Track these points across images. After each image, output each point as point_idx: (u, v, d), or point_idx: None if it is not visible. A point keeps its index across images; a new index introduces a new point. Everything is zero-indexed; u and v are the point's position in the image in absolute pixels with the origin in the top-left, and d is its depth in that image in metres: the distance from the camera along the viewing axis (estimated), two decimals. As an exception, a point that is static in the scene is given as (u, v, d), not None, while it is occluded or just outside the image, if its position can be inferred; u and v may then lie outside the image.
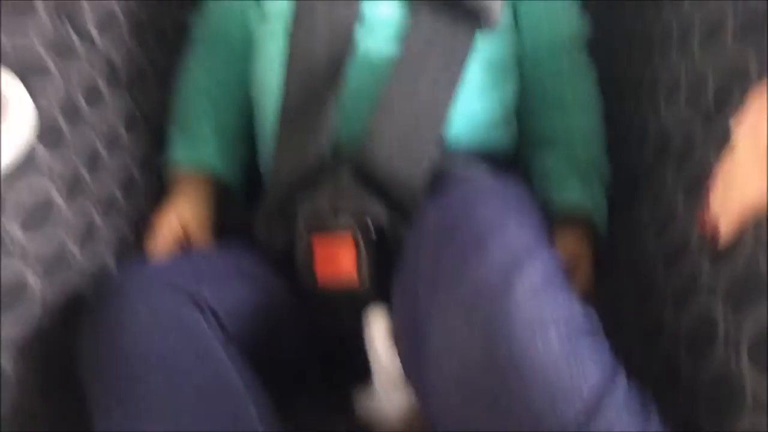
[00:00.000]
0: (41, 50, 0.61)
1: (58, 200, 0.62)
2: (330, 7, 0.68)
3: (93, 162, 0.69)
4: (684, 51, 0.63)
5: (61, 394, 0.61)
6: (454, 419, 0.48)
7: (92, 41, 0.70)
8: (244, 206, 0.79)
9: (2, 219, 0.55)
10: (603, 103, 0.81)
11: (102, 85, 0.72)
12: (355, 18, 0.68)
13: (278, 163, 0.68)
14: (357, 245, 0.64)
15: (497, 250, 0.49)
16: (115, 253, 0.71)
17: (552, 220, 0.72)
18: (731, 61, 0.54)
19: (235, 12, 0.81)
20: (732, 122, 0.50)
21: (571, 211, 0.73)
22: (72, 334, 0.58)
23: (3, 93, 0.56)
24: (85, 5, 0.69)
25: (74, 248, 0.64)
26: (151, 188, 0.81)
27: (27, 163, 0.58)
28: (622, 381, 0.46)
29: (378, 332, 0.58)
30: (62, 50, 0.65)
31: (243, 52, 0.80)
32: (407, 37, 0.67)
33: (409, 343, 0.52)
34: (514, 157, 0.80)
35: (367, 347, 0.59)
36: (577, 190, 0.74)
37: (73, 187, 0.64)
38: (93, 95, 0.70)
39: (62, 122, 0.64)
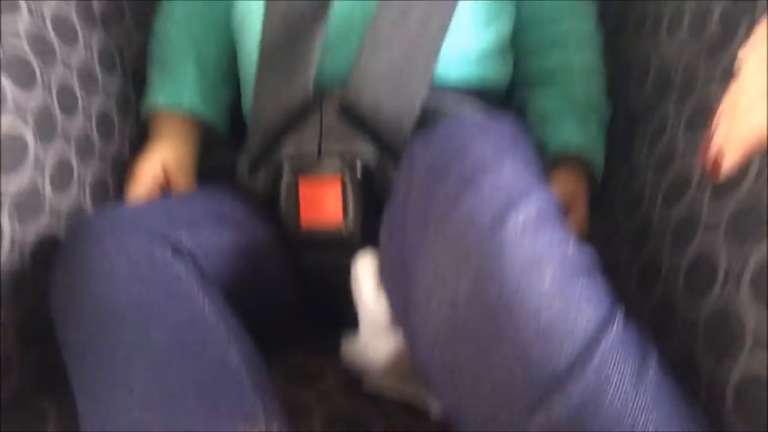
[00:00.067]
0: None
1: (30, 140, 0.59)
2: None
3: (68, 102, 0.66)
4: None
5: (36, 337, 0.59)
6: (443, 362, 0.46)
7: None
8: (227, 150, 0.77)
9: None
10: (603, 39, 0.78)
11: (75, 20, 0.69)
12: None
13: (260, 102, 0.65)
14: (344, 189, 0.61)
15: (491, 188, 0.47)
16: (94, 198, 0.69)
17: (547, 159, 0.70)
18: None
19: (216, -55, 0.77)
20: (738, 54, 0.48)
21: (567, 151, 0.71)
22: (45, 278, 0.56)
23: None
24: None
25: (48, 190, 0.61)
26: (132, 132, 0.78)
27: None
28: (619, 321, 0.44)
29: (365, 276, 0.56)
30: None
31: None
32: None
33: (396, 283, 0.50)
34: (509, 97, 0.77)
35: (354, 292, 0.57)
36: (573, 129, 0.72)
37: (46, 128, 0.62)
38: (66, 30, 0.67)
39: (33, 59, 0.61)
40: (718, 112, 0.48)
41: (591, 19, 0.78)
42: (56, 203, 0.63)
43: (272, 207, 0.64)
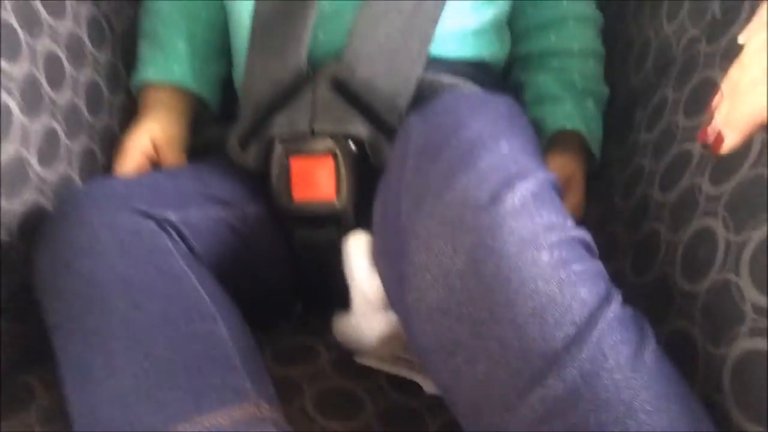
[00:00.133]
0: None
1: (15, 111, 0.58)
2: None
3: (55, 73, 0.64)
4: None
5: (23, 312, 0.58)
6: (437, 340, 0.45)
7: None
8: (219, 126, 0.75)
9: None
10: (602, 21, 0.77)
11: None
12: None
13: (252, 77, 0.64)
14: (337, 165, 0.60)
15: (487, 167, 0.46)
16: (82, 172, 0.68)
17: (544, 140, 0.70)
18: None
19: None
20: (739, 35, 0.48)
21: (565, 132, 0.70)
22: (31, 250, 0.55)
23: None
24: None
25: (34, 163, 0.60)
26: (121, 105, 0.77)
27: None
28: (616, 302, 0.43)
29: (357, 255, 0.56)
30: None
31: None
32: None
33: (390, 260, 0.49)
34: (506, 78, 0.76)
35: (346, 271, 0.56)
36: (571, 110, 0.71)
37: (32, 99, 0.60)
38: (53, 2, 0.65)
39: (19, 29, 0.59)
40: (718, 93, 0.48)
41: (590, 1, 0.77)
42: (43, 176, 0.61)
43: (264, 183, 0.63)
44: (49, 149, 0.62)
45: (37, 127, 0.61)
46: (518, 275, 0.42)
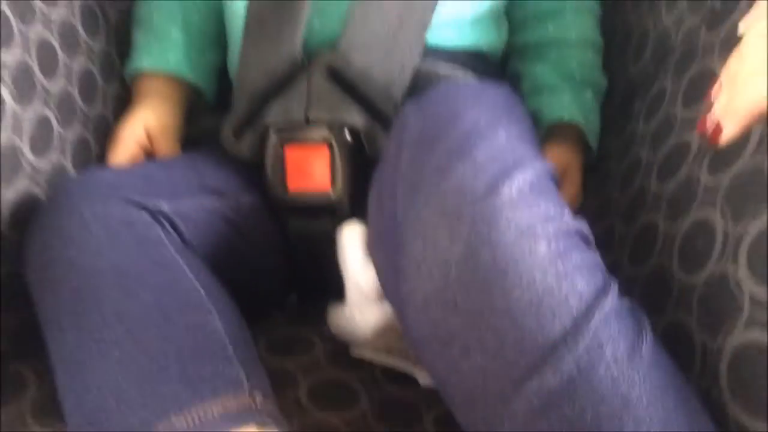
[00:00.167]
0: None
1: (7, 98, 0.57)
2: None
3: (47, 61, 0.64)
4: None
5: (15, 301, 0.58)
6: (432, 330, 0.44)
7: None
8: (214, 115, 0.75)
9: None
10: (601, 11, 0.77)
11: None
12: None
13: (247, 66, 0.63)
14: (332, 155, 0.60)
15: (485, 157, 0.45)
16: (76, 161, 0.67)
17: (542, 130, 0.69)
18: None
19: None
20: (739, 24, 0.47)
21: (563, 122, 0.70)
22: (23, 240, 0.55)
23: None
24: None
25: (27, 151, 0.59)
26: (116, 95, 0.76)
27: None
28: (613, 293, 0.43)
29: (351, 246, 0.55)
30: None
31: None
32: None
33: (386, 251, 0.49)
34: (503, 66, 0.76)
35: (341, 262, 0.56)
36: (569, 100, 0.71)
37: (24, 87, 0.60)
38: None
39: (11, 15, 0.59)
40: (717, 83, 0.47)
41: None
42: (36, 165, 0.61)
43: (258, 173, 0.63)
44: (42, 138, 0.62)
45: (30, 115, 0.60)
46: (515, 266, 0.41)
